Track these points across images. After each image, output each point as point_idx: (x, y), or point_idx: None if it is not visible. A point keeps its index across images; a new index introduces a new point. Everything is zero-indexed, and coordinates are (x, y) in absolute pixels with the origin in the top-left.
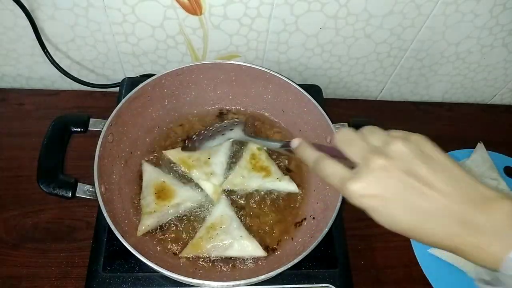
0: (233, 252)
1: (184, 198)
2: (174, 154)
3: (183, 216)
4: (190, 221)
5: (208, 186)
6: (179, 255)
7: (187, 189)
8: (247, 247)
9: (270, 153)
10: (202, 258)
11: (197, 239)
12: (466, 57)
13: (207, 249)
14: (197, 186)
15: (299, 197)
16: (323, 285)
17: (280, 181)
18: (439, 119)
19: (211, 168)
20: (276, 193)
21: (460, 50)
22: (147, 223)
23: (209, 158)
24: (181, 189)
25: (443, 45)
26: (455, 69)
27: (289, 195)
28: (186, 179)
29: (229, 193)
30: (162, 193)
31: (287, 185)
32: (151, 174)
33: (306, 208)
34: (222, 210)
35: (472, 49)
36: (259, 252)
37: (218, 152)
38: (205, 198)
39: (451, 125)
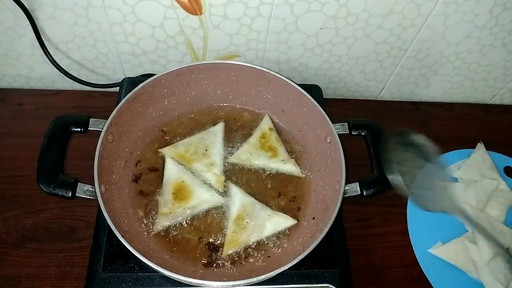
0: (268, 231)
1: (201, 201)
2: (170, 150)
3: (198, 216)
4: (202, 222)
5: (211, 177)
6: (221, 255)
7: (204, 190)
8: (278, 222)
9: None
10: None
11: (231, 235)
12: (466, 57)
13: (244, 239)
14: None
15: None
16: (323, 285)
17: (285, 163)
18: (439, 119)
19: (210, 159)
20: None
21: (460, 50)
22: (162, 224)
23: (206, 150)
24: (199, 189)
25: (443, 45)
26: (455, 69)
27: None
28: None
29: (231, 173)
30: (180, 194)
31: (291, 168)
32: (171, 171)
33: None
34: (240, 199)
35: (472, 49)
36: (290, 221)
37: (215, 142)
38: (223, 200)
39: (451, 125)
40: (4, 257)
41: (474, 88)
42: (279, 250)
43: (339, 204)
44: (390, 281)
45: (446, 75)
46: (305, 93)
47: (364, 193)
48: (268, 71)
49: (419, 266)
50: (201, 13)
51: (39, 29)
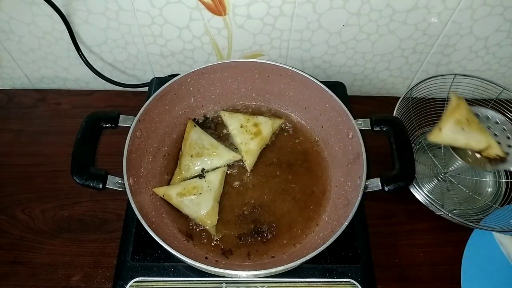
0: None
1: None
2: (162, 191)
3: None
4: None
5: (203, 222)
6: None
7: None
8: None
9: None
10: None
11: None
12: (497, 52)
13: None
14: None
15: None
16: (345, 279)
17: None
18: None
19: (200, 206)
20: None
21: (489, 44)
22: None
23: (200, 193)
24: None
25: (471, 40)
26: (485, 64)
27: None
28: None
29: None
30: None
31: None
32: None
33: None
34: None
35: (503, 43)
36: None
37: (208, 192)
38: None
39: None
40: (42, 246)
41: (506, 84)
42: (300, 244)
43: (359, 198)
44: (415, 279)
45: (476, 71)
46: (327, 89)
47: (386, 189)
48: (290, 68)
49: (446, 265)
50: (225, 14)
51: (74, 33)
